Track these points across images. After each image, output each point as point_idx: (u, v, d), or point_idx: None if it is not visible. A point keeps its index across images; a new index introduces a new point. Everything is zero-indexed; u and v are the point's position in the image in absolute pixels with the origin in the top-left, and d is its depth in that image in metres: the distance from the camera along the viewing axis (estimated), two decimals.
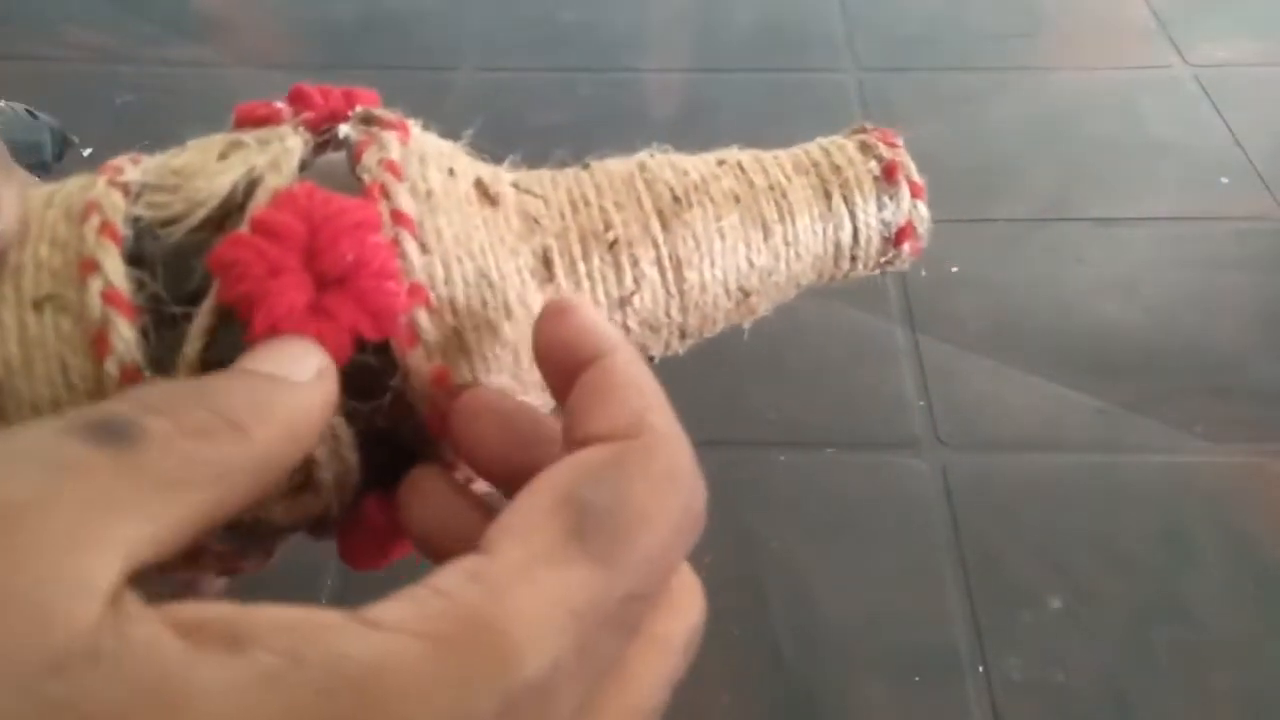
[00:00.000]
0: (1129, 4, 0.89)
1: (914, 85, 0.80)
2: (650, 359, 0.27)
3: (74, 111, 0.68)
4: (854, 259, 0.28)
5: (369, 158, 0.23)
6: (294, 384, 0.19)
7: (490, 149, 0.26)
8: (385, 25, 0.84)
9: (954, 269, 0.65)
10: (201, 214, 0.22)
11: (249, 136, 0.23)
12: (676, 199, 0.25)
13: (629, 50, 0.82)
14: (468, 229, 0.23)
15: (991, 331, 0.61)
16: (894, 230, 0.27)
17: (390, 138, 0.23)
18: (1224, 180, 0.71)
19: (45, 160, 0.63)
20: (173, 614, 0.14)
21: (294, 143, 0.23)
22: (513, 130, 0.72)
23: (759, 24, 0.86)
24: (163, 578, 0.21)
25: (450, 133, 0.26)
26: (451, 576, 0.16)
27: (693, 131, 0.75)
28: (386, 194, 0.22)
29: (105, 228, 0.21)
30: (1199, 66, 0.81)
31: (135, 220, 0.22)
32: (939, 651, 0.46)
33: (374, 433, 0.22)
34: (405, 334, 0.22)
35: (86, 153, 0.68)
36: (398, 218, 0.22)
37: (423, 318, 0.22)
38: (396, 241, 0.22)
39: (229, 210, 0.22)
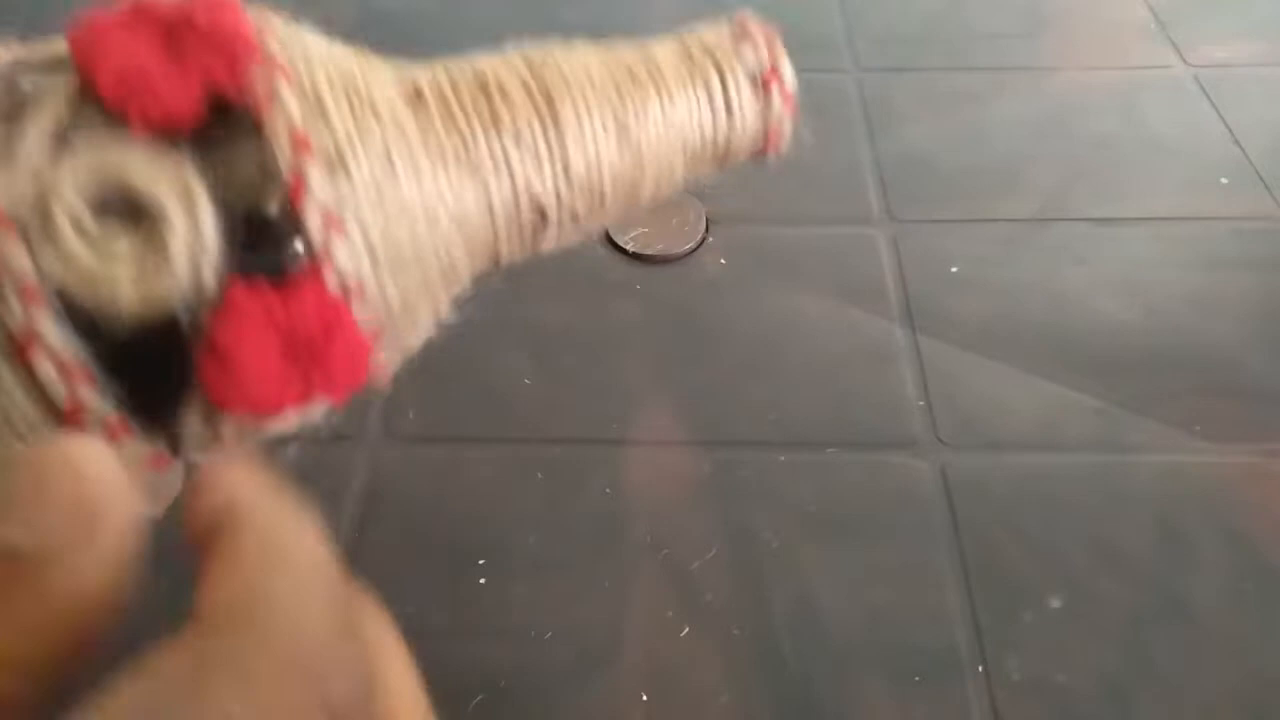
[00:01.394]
0: (1129, 4, 0.89)
1: (913, 85, 0.80)
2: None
3: None
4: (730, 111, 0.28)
5: None
6: None
7: None
8: (385, 25, 0.84)
9: (954, 269, 0.65)
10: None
11: None
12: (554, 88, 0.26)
13: None
14: (333, 53, 0.23)
15: (991, 331, 0.61)
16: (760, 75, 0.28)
17: None
18: (1224, 180, 0.71)
19: None
20: None
21: None
22: None
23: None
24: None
25: None
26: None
27: None
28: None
29: None
30: (1199, 67, 0.81)
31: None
32: (939, 652, 0.46)
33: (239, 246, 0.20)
34: (263, 93, 0.20)
35: None
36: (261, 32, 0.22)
37: (282, 85, 0.21)
38: (258, 30, 0.21)
39: None
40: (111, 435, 0.21)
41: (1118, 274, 0.65)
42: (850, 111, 0.77)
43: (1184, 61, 0.82)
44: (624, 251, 0.64)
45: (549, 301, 0.62)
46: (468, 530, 0.48)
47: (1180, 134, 0.75)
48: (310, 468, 0.43)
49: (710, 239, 0.64)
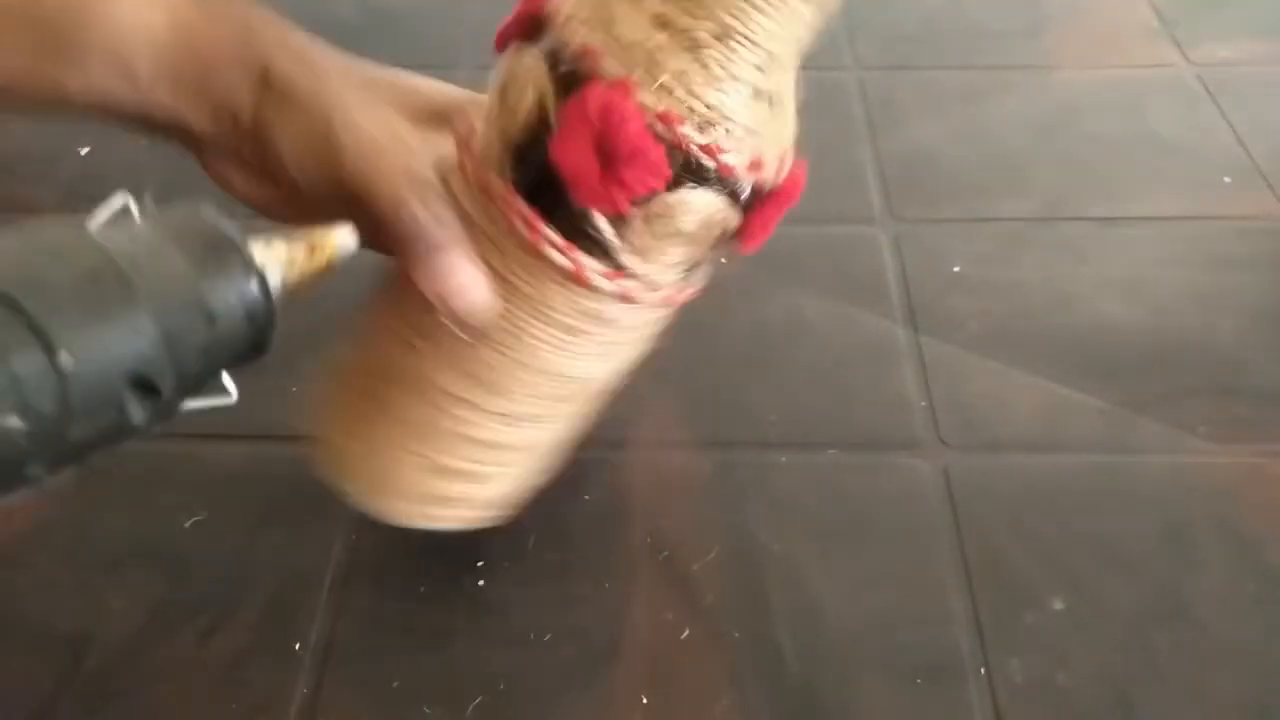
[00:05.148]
0: (1131, 3, 0.89)
1: (915, 84, 0.80)
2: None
3: None
4: None
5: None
6: None
7: None
8: (385, 25, 0.84)
9: (955, 269, 0.65)
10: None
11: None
12: None
13: None
14: None
15: (993, 331, 0.61)
16: None
17: None
18: (1226, 179, 0.71)
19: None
20: None
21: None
22: None
23: None
24: None
25: None
26: None
27: None
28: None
29: None
30: (1201, 66, 0.81)
31: None
32: (940, 653, 0.46)
33: None
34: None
35: (84, 151, 0.68)
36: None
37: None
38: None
39: None
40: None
41: (1120, 273, 0.64)
42: (852, 110, 0.77)
43: (1186, 60, 0.82)
44: None
45: None
46: (468, 531, 0.48)
47: (1183, 133, 0.75)
48: (311, 468, 0.43)
49: None
